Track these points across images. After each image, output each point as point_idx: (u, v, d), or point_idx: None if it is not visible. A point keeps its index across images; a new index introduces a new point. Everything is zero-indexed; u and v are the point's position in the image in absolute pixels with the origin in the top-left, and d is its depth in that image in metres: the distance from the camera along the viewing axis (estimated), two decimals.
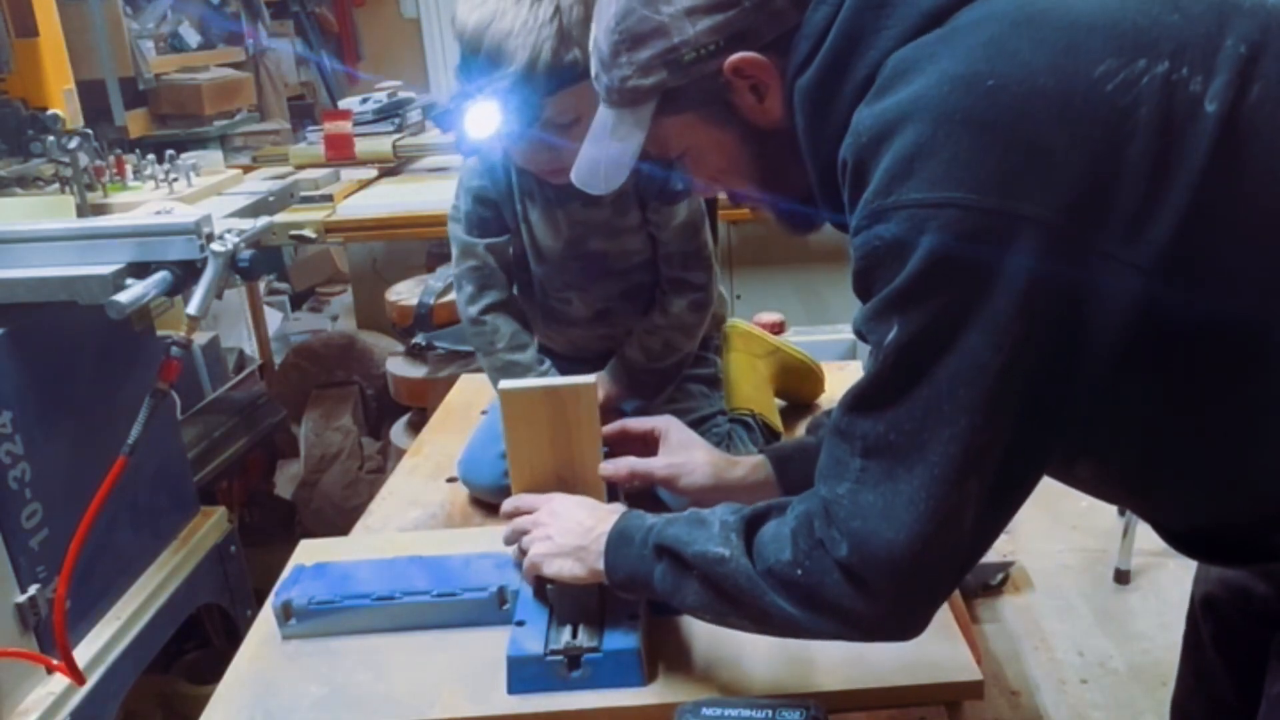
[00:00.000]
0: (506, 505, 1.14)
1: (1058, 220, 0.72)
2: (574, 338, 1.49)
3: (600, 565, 0.99)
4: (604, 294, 1.41)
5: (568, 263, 1.38)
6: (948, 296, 0.74)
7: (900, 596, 0.82)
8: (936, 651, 1.02)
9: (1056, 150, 0.72)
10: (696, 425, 1.37)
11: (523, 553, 1.08)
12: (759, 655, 1.03)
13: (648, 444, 1.20)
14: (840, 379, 1.73)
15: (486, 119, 1.22)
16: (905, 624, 0.86)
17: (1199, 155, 0.72)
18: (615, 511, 1.03)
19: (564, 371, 1.43)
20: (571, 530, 1.03)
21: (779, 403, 1.62)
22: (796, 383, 1.65)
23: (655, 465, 1.17)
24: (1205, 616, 1.12)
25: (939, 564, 0.81)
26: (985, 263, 0.73)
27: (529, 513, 1.10)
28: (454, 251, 1.43)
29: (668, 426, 1.20)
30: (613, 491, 1.15)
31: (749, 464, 1.17)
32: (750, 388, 1.54)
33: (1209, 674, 1.12)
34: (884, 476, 0.79)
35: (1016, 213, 0.72)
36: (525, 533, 1.08)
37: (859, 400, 0.81)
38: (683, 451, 1.18)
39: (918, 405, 0.77)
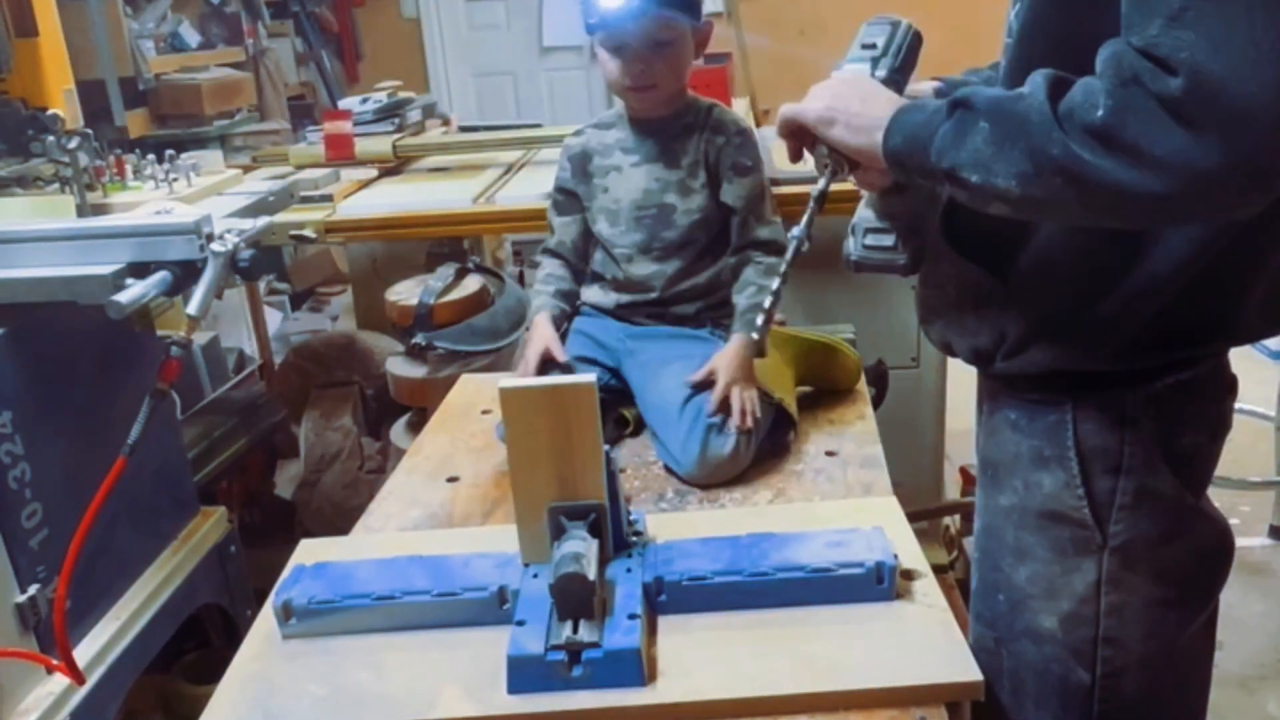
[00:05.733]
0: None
1: None
2: (636, 298, 1.67)
3: (879, 134, 0.96)
4: (664, 245, 1.63)
5: (642, 217, 1.63)
6: None
7: (1253, 130, 0.72)
8: (936, 651, 1.03)
9: None
10: (695, 393, 1.49)
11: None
12: (759, 655, 1.04)
13: None
14: None
15: None
16: (1254, 181, 0.75)
17: None
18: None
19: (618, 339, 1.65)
20: (853, 109, 1.01)
21: (805, 389, 1.65)
22: (822, 366, 1.66)
23: None
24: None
25: None
26: None
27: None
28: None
29: None
30: (611, 482, 1.15)
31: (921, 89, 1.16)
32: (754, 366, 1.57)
33: None
34: (1214, 10, 0.72)
35: None
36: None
37: None
38: None
39: None
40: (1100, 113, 0.77)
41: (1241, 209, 0.80)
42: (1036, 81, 0.84)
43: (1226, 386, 1.06)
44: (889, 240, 1.14)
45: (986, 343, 1.06)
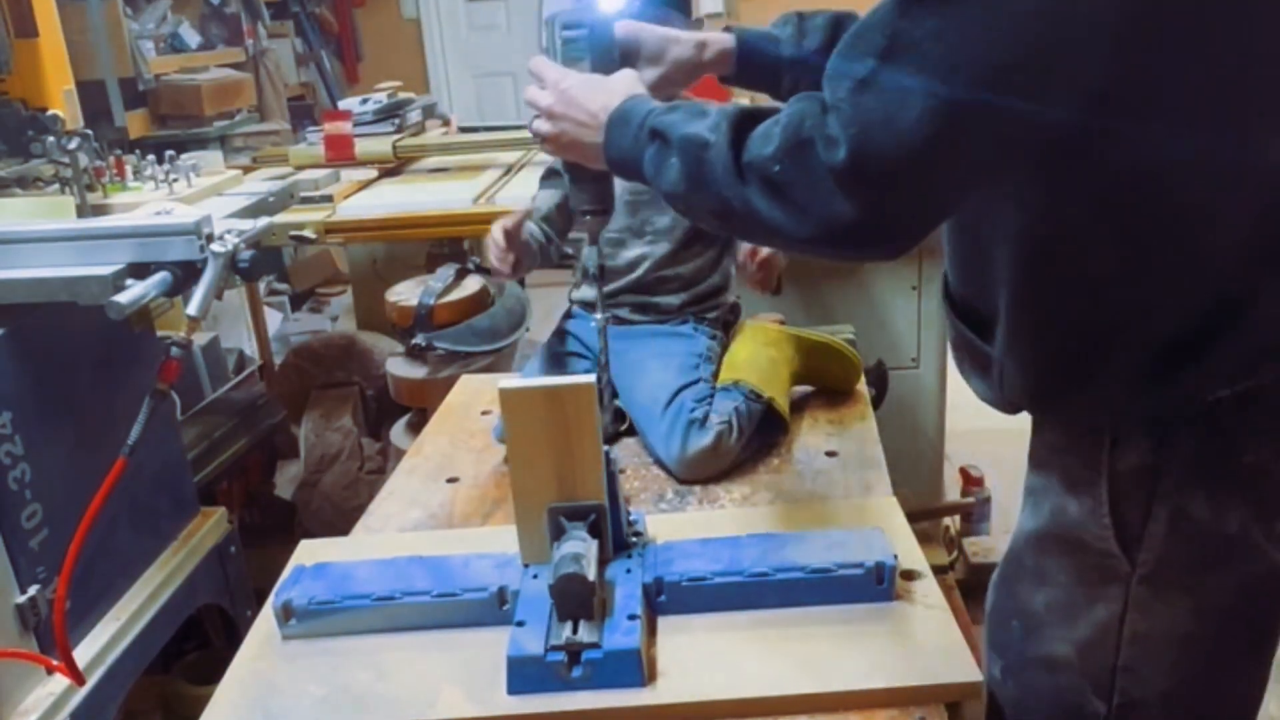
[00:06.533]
0: (532, 65, 1.19)
1: None
2: (621, 284, 1.70)
3: (600, 140, 1.07)
4: (655, 228, 1.68)
5: (634, 202, 1.66)
6: None
7: (892, 207, 0.84)
8: (936, 651, 1.03)
9: None
10: (679, 392, 1.51)
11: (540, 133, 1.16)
12: (759, 655, 1.04)
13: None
14: None
15: None
16: (893, 237, 0.88)
17: None
18: (625, 94, 1.08)
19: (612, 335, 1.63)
20: (579, 121, 1.10)
21: (805, 388, 1.67)
22: (824, 367, 1.67)
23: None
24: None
25: (940, 178, 0.82)
26: None
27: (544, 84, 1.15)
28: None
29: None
30: (611, 483, 1.15)
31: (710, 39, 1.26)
32: (745, 364, 1.58)
33: None
34: (898, 86, 0.78)
35: None
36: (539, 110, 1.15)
37: None
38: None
39: (970, 14, 0.75)
40: (776, 168, 0.87)
41: (875, 258, 0.98)
42: (721, 128, 0.92)
43: None
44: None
45: (1001, 403, 1.03)
